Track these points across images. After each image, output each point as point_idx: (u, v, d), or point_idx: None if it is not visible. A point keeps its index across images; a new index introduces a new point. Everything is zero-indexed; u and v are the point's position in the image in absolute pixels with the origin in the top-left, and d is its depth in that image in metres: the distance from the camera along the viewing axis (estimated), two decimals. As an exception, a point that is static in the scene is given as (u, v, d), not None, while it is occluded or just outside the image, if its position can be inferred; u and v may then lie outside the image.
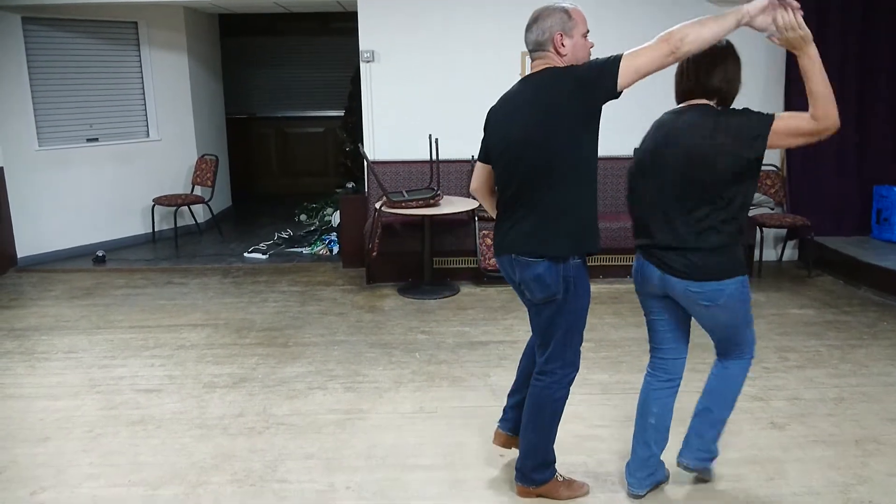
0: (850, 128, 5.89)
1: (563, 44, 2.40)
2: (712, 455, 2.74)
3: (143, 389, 3.74)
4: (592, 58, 2.44)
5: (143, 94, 6.95)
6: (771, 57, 5.74)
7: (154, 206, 6.89)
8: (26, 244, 6.22)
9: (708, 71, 2.43)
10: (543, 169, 2.42)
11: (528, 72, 2.56)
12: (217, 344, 4.38)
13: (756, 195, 5.23)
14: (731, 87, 2.44)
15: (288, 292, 5.43)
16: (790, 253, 6.15)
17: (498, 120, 2.58)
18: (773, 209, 5.72)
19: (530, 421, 2.66)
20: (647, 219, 2.53)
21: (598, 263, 5.59)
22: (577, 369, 2.62)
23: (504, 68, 5.59)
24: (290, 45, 9.57)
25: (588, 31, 2.47)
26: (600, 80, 2.30)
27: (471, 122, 2.76)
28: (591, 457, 3.02)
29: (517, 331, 4.51)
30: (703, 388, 2.72)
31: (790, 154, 5.93)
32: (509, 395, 2.93)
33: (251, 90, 9.66)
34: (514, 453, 3.02)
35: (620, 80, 2.27)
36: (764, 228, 5.74)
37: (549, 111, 2.40)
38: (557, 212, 2.44)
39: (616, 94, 2.32)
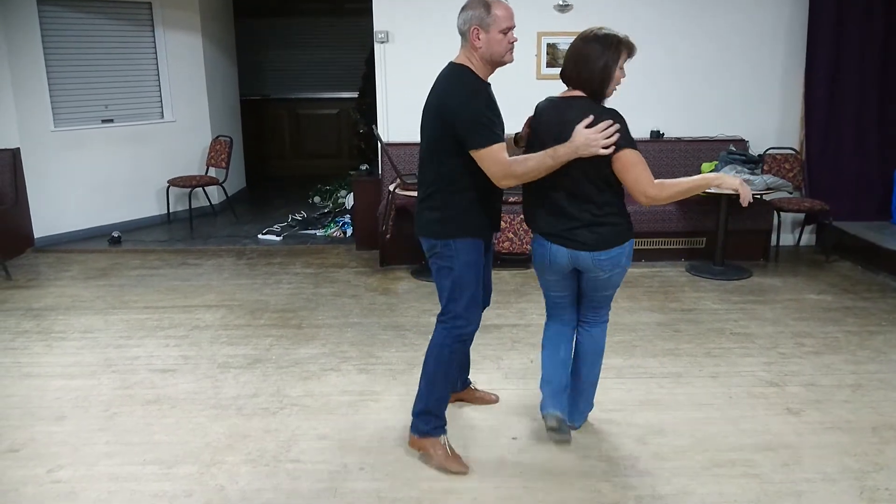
0: (871, 112, 5.80)
1: (478, 37, 2.51)
2: (590, 409, 3.10)
3: (159, 369, 3.77)
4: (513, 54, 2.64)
5: (158, 75, 6.95)
6: (791, 47, 5.67)
7: (169, 187, 6.92)
8: (43, 225, 6.27)
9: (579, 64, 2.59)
10: (426, 155, 2.64)
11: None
12: (231, 325, 4.40)
13: (774, 179, 5.17)
14: (603, 84, 2.56)
15: (302, 274, 5.45)
16: (808, 238, 6.08)
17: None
18: (791, 193, 5.64)
19: (424, 364, 2.81)
20: (549, 203, 2.70)
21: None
22: (470, 324, 2.73)
23: (518, 49, 5.48)
24: (303, 26, 9.52)
25: (511, 28, 2.51)
26: (465, 133, 2.47)
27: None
28: (606, 441, 3.01)
29: (530, 314, 4.49)
30: (569, 356, 2.95)
31: (809, 138, 5.84)
32: None
33: (265, 71, 9.65)
34: (523, 439, 3.03)
35: (475, 151, 2.47)
36: (781, 213, 5.67)
37: (431, 111, 2.60)
38: (442, 197, 2.62)
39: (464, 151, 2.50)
